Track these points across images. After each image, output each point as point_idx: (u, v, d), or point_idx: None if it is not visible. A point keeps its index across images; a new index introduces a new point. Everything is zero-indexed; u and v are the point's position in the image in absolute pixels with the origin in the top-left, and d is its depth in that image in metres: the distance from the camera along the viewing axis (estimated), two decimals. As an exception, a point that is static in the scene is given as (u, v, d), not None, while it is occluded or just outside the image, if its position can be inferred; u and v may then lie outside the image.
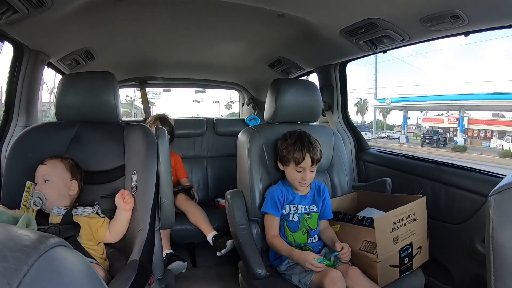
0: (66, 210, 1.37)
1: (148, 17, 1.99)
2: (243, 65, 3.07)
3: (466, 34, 1.67)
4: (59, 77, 2.12)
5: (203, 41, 2.46)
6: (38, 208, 1.34)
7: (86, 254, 1.28)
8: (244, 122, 3.27)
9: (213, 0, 1.77)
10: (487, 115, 21.33)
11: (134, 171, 1.45)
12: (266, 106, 1.91)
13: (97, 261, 1.29)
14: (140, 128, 1.55)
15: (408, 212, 1.54)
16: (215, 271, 2.44)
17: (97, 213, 1.42)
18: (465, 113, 21.31)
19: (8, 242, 0.33)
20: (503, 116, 20.85)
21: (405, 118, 23.54)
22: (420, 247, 1.59)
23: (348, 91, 2.69)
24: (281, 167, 1.71)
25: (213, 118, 3.30)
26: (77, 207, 1.40)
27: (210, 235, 2.27)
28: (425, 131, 21.89)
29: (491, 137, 20.69)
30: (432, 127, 21.95)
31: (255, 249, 1.64)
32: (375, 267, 1.44)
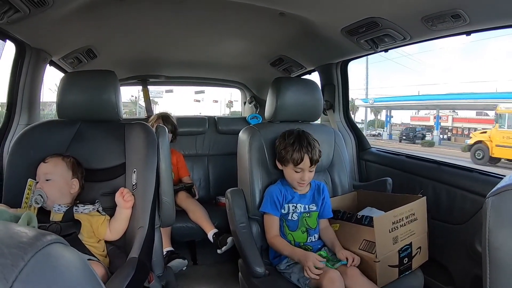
0: (67, 208, 1.38)
1: (150, 15, 1.99)
2: (245, 63, 3.07)
3: (468, 33, 1.66)
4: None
5: (205, 40, 2.46)
6: (39, 206, 1.35)
7: (87, 251, 1.29)
8: (245, 121, 3.27)
9: None
10: (473, 113, 22.17)
11: (135, 169, 1.46)
12: (267, 105, 1.91)
13: (98, 258, 1.30)
14: (140, 126, 1.56)
15: (408, 212, 1.53)
16: (215, 269, 2.45)
17: (98, 211, 1.43)
18: (454, 112, 22.10)
19: (6, 239, 0.34)
20: (487, 115, 20.94)
21: (388, 117, 24.50)
22: (419, 247, 1.58)
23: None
24: (279, 167, 1.71)
25: (215, 116, 3.30)
26: (78, 205, 1.40)
27: (210, 232, 2.28)
28: (403, 129, 23.04)
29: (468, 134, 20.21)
30: (420, 125, 23.00)
31: (254, 247, 1.64)
32: (374, 267, 1.44)
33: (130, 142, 1.55)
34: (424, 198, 1.62)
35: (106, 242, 1.42)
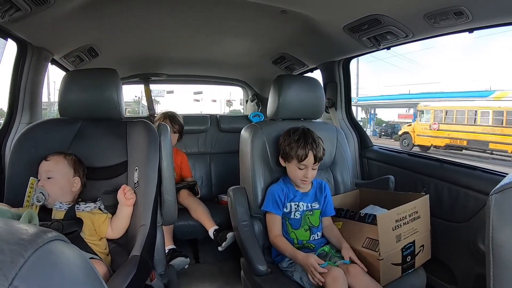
0: (69, 206, 1.38)
1: (151, 13, 1.99)
2: (246, 61, 3.07)
3: (470, 30, 1.65)
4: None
5: (207, 38, 2.46)
6: (41, 204, 1.35)
7: (89, 249, 1.29)
8: (247, 119, 3.28)
9: None
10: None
11: (136, 167, 1.46)
12: (269, 103, 1.91)
13: (99, 256, 1.30)
14: (142, 124, 1.55)
15: (411, 210, 1.53)
16: (217, 267, 2.45)
17: (99, 209, 1.43)
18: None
19: (6, 236, 0.33)
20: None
21: (371, 115, 25.60)
22: (422, 246, 1.58)
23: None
24: (283, 163, 1.71)
25: (217, 114, 3.30)
26: (80, 203, 1.41)
27: (211, 229, 2.28)
28: (383, 126, 24.58)
29: None
30: (404, 122, 23.93)
31: (257, 245, 1.64)
32: (377, 265, 1.43)
33: (132, 140, 1.55)
34: (427, 196, 1.62)
35: (108, 240, 1.42)
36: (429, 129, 14.82)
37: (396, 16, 1.69)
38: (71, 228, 1.29)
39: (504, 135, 12.13)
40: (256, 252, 1.60)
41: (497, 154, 12.54)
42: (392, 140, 20.12)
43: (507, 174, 0.88)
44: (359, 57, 2.59)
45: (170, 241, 2.26)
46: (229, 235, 2.17)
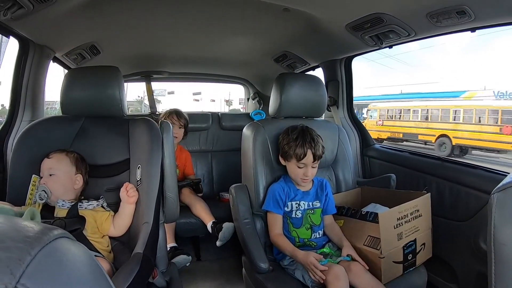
0: (71, 204, 1.38)
1: (153, 11, 1.98)
2: (248, 59, 3.06)
3: (473, 30, 1.65)
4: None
5: (209, 36, 2.45)
6: (44, 201, 1.35)
7: (91, 247, 1.29)
8: (249, 117, 3.28)
9: None
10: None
11: (139, 165, 1.46)
12: (271, 101, 1.91)
13: (102, 254, 1.30)
14: (144, 122, 1.55)
15: (412, 208, 1.53)
16: (218, 265, 2.46)
17: (102, 207, 1.43)
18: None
19: (12, 233, 0.34)
20: None
21: (358, 113, 26.05)
22: (423, 244, 1.58)
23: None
24: (283, 162, 1.71)
25: (218, 112, 3.30)
26: (83, 201, 1.41)
27: (209, 223, 2.28)
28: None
29: None
30: None
31: (258, 243, 1.64)
32: (379, 263, 1.44)
33: (134, 137, 1.55)
34: (429, 194, 1.62)
35: (110, 237, 1.42)
36: (376, 125, 17.38)
37: (398, 15, 1.69)
38: (73, 226, 1.29)
39: (429, 128, 14.95)
40: (258, 250, 1.60)
41: (426, 144, 15.17)
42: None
43: (509, 173, 0.87)
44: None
45: (172, 239, 2.26)
46: (225, 224, 2.17)
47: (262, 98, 3.70)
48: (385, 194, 1.82)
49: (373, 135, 16.93)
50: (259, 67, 3.27)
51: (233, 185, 1.83)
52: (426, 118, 15.48)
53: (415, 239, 1.53)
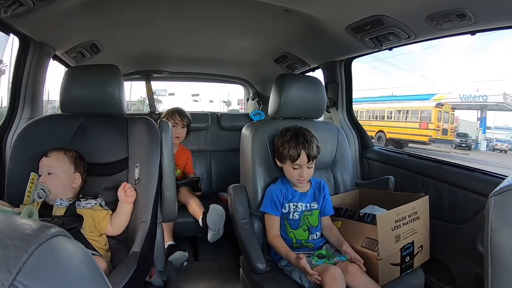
0: (69, 202, 1.38)
1: (154, 10, 1.99)
2: (248, 59, 3.07)
3: (473, 33, 1.65)
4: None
5: (209, 36, 2.46)
6: (42, 200, 1.35)
7: (89, 245, 1.29)
8: (248, 117, 3.28)
9: None
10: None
11: (137, 164, 1.46)
12: (270, 101, 1.91)
13: (99, 253, 1.30)
14: (144, 121, 1.55)
15: (410, 210, 1.53)
16: (216, 265, 2.45)
17: (100, 205, 1.43)
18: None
19: (9, 231, 0.34)
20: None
21: None
22: (421, 246, 1.58)
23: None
24: (279, 164, 1.72)
25: (218, 112, 3.30)
26: (81, 200, 1.41)
27: (200, 218, 2.25)
28: None
29: None
30: None
31: (256, 243, 1.64)
32: (376, 265, 1.44)
33: (133, 136, 1.55)
34: (427, 197, 1.62)
35: (108, 236, 1.42)
36: None
37: (399, 17, 1.69)
38: (71, 225, 1.28)
39: (371, 125, 18.01)
40: (256, 251, 1.60)
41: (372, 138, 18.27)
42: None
43: (507, 176, 0.88)
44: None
45: (170, 237, 2.25)
46: (212, 206, 2.16)
47: (261, 99, 3.70)
48: (383, 196, 1.82)
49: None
50: (259, 68, 3.27)
51: (232, 185, 1.83)
52: (369, 118, 19.30)
53: (413, 241, 1.54)
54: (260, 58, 2.94)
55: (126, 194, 1.39)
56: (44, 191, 1.35)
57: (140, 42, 2.59)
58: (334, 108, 2.63)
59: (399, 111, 18.37)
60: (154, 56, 3.00)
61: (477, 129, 22.60)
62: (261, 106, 3.68)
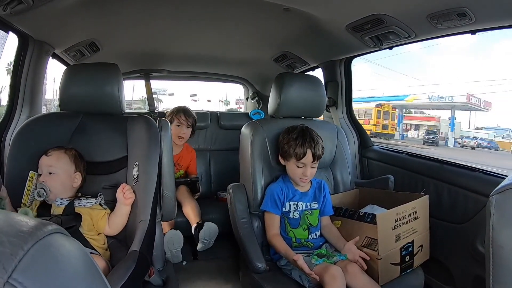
0: (68, 201, 1.37)
1: (153, 9, 1.98)
2: (248, 59, 3.06)
3: (473, 32, 1.65)
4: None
5: (209, 34, 2.45)
6: (42, 199, 1.34)
7: (87, 244, 1.29)
8: (248, 116, 3.28)
9: None
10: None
11: (136, 162, 1.46)
12: (270, 100, 1.91)
13: (98, 251, 1.30)
14: (143, 119, 1.55)
15: (410, 210, 1.53)
16: (215, 264, 2.45)
17: (100, 204, 1.43)
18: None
19: (6, 228, 0.33)
20: (423, 113, 29.07)
21: None
22: (421, 246, 1.58)
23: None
24: (282, 162, 1.71)
25: (217, 111, 3.30)
26: (81, 198, 1.40)
27: (193, 227, 2.24)
28: None
29: (410, 129, 28.73)
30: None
31: (255, 243, 1.64)
32: (376, 264, 1.43)
33: (133, 135, 1.55)
34: (427, 196, 1.62)
35: (107, 235, 1.42)
36: None
37: (399, 16, 1.69)
38: (69, 223, 1.28)
39: None
40: (255, 250, 1.60)
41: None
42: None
43: (507, 175, 0.87)
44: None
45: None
46: (207, 223, 2.15)
47: (261, 98, 3.70)
48: (383, 196, 1.82)
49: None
50: (259, 67, 3.26)
51: (231, 184, 1.83)
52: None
53: (413, 240, 1.53)
54: (260, 57, 2.94)
55: (124, 196, 1.38)
56: (44, 191, 1.34)
57: (139, 41, 2.59)
58: (334, 107, 2.63)
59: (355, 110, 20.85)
60: (153, 55, 2.99)
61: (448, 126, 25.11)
62: (260, 105, 3.67)
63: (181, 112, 2.61)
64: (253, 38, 2.53)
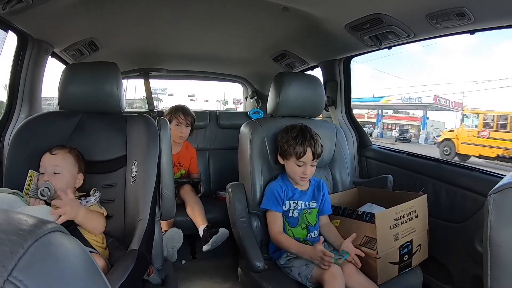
0: None
1: (153, 8, 1.98)
2: (247, 58, 3.06)
3: (472, 32, 1.65)
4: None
5: (208, 34, 2.45)
6: (45, 198, 1.33)
7: (87, 243, 1.28)
8: (247, 115, 3.28)
9: None
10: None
11: (135, 161, 1.46)
12: (269, 100, 1.91)
13: (97, 250, 1.29)
14: (142, 118, 1.55)
15: (409, 209, 1.53)
16: (214, 263, 2.45)
17: (98, 203, 1.42)
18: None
19: (5, 226, 0.33)
20: (408, 113, 29.72)
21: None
22: (420, 245, 1.59)
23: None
24: (281, 161, 1.71)
25: (216, 110, 3.30)
26: (81, 198, 1.40)
27: (202, 226, 2.23)
28: (398, 130, 27.60)
29: (394, 129, 28.71)
30: (363, 121, 27.59)
31: (254, 242, 1.64)
32: (375, 263, 1.44)
33: (132, 134, 1.55)
34: (425, 195, 1.62)
35: (106, 234, 1.41)
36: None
37: (398, 16, 1.69)
38: (68, 222, 1.28)
39: None
40: (254, 249, 1.60)
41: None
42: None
43: (505, 175, 0.88)
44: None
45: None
46: (222, 229, 2.13)
47: (260, 97, 3.69)
48: (382, 195, 1.82)
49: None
50: (258, 66, 3.26)
51: (230, 184, 1.83)
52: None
53: (411, 240, 1.54)
54: (259, 56, 2.94)
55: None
56: (49, 190, 1.32)
57: (139, 40, 2.59)
58: (333, 106, 2.63)
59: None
60: (153, 54, 2.99)
61: (432, 126, 26.21)
62: (259, 105, 3.67)
63: (180, 111, 2.59)
64: (252, 37, 2.53)
